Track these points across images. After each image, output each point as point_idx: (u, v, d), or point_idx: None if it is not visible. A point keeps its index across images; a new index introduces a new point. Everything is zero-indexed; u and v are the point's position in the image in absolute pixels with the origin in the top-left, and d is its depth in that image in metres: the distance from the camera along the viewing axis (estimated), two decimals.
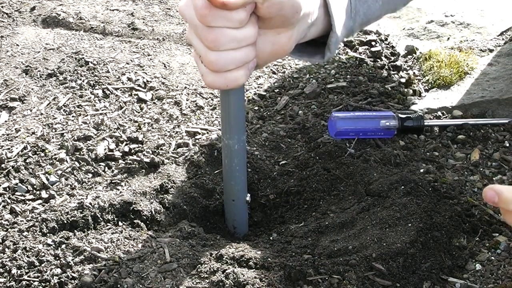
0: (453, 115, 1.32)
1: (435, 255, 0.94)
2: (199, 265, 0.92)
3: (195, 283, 0.90)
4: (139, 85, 1.46)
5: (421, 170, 1.12)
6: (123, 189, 1.11)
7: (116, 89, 1.44)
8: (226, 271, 0.90)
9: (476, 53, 1.52)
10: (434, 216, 0.99)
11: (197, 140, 1.26)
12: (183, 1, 0.90)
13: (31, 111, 1.38)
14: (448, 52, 1.52)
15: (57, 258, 0.95)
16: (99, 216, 1.04)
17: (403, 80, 1.47)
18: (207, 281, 0.89)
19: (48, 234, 1.01)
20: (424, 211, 0.99)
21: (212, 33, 0.86)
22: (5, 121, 1.35)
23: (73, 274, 0.92)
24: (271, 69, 1.52)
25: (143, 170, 1.17)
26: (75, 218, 1.03)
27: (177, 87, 1.46)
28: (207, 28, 0.86)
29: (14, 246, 0.98)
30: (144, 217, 1.07)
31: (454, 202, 1.06)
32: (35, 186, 1.15)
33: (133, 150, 1.23)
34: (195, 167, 1.17)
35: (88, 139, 1.26)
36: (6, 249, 0.98)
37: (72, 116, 1.35)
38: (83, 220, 1.03)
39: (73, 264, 0.93)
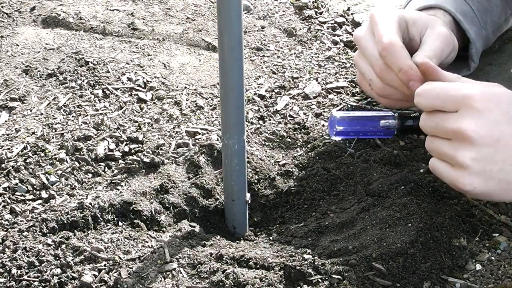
0: None
1: (435, 255, 0.94)
2: (199, 265, 0.92)
3: (195, 283, 0.90)
4: (139, 85, 1.46)
5: (421, 170, 1.12)
6: (123, 189, 1.11)
7: (116, 89, 1.44)
8: (226, 271, 0.90)
9: None
10: (434, 216, 0.99)
11: (197, 140, 1.26)
12: (362, 30, 1.17)
13: (31, 111, 1.38)
14: None
15: (57, 258, 0.95)
16: (99, 216, 1.05)
17: None
18: (207, 281, 0.89)
19: (48, 234, 1.01)
20: (424, 211, 0.99)
21: (384, 68, 1.09)
22: (5, 121, 1.35)
23: (73, 274, 0.92)
24: (271, 69, 1.52)
25: (143, 170, 1.17)
26: (75, 218, 1.03)
27: (177, 87, 1.46)
28: (383, 62, 1.09)
29: (14, 246, 0.98)
30: (144, 217, 1.07)
31: (454, 202, 1.06)
32: (35, 186, 1.15)
33: (133, 150, 1.23)
34: (195, 167, 1.17)
35: (88, 139, 1.26)
36: (6, 249, 0.98)
37: (72, 116, 1.35)
38: (83, 220, 1.03)
39: (73, 264, 0.93)
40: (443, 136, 0.94)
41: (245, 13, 1.79)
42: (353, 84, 1.42)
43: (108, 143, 1.25)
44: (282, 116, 1.34)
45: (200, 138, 1.27)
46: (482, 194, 0.94)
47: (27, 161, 1.20)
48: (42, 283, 0.91)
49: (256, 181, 1.17)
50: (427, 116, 0.96)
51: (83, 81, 1.47)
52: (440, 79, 1.01)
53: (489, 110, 0.89)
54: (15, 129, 1.31)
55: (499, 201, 1.03)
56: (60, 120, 1.34)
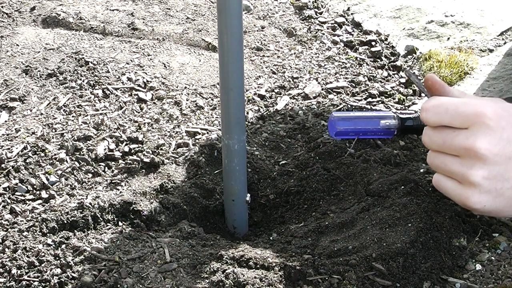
0: None
1: (435, 255, 0.94)
2: (199, 265, 0.92)
3: (195, 283, 0.90)
4: (139, 85, 1.46)
5: (421, 170, 1.12)
6: (123, 189, 1.11)
7: (116, 89, 1.44)
8: (226, 271, 0.90)
9: (476, 53, 1.52)
10: (434, 216, 0.99)
11: (197, 140, 1.26)
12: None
13: (31, 111, 1.38)
14: (448, 52, 1.52)
15: (57, 258, 0.95)
16: (99, 216, 1.05)
17: (403, 80, 1.47)
18: (207, 281, 0.89)
19: (48, 234, 1.01)
20: (424, 211, 0.99)
21: None
22: (5, 121, 1.35)
23: (73, 274, 0.92)
24: (271, 69, 1.52)
25: (143, 170, 1.17)
26: (75, 218, 1.03)
27: (177, 87, 1.46)
28: None
29: (14, 246, 0.98)
30: (144, 217, 1.07)
31: (454, 202, 1.06)
32: (35, 186, 1.15)
33: (133, 150, 1.23)
34: (195, 167, 1.17)
35: (88, 139, 1.26)
36: (6, 249, 0.98)
37: (72, 116, 1.35)
38: (83, 220, 1.03)
39: (73, 264, 0.93)
40: (451, 153, 0.91)
41: (245, 13, 1.79)
42: (353, 84, 1.42)
43: (108, 143, 1.25)
44: (282, 116, 1.34)
45: (200, 138, 1.27)
46: (491, 212, 0.92)
47: (27, 161, 1.20)
48: (42, 283, 0.91)
49: (256, 181, 1.17)
50: (432, 132, 0.93)
51: (83, 81, 1.47)
52: (446, 95, 0.99)
53: (502, 127, 0.88)
54: (15, 129, 1.31)
55: (507, 217, 1.02)
56: (60, 120, 1.34)
